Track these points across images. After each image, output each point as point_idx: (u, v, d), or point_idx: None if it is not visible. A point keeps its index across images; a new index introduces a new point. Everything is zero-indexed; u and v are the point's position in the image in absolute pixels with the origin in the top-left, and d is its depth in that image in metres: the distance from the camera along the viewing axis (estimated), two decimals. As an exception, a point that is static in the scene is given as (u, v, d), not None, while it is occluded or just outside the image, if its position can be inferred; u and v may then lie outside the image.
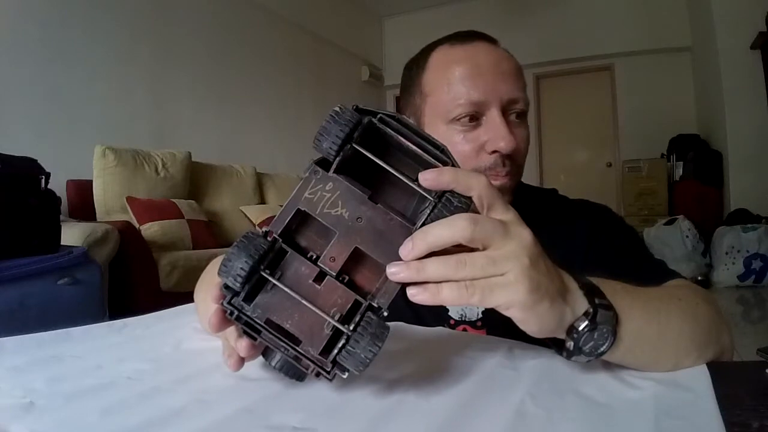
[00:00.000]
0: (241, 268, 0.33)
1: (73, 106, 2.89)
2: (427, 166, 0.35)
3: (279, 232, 0.34)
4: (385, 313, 0.34)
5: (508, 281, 0.33)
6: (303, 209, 0.34)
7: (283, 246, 0.35)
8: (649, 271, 0.58)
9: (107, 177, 2.70)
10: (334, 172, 0.34)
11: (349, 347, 0.33)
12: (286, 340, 0.34)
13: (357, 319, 0.33)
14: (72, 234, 1.92)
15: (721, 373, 0.40)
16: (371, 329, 0.33)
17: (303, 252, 0.35)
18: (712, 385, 0.37)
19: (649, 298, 0.43)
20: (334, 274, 0.34)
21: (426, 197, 0.34)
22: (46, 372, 0.44)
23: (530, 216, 0.71)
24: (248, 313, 0.34)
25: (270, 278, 0.34)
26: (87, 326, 0.59)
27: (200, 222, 2.91)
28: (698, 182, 4.31)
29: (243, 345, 0.36)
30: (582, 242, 0.65)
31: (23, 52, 2.65)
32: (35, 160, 1.69)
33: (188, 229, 2.76)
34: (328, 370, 0.34)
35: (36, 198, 1.65)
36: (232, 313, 0.34)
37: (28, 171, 1.66)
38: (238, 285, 0.33)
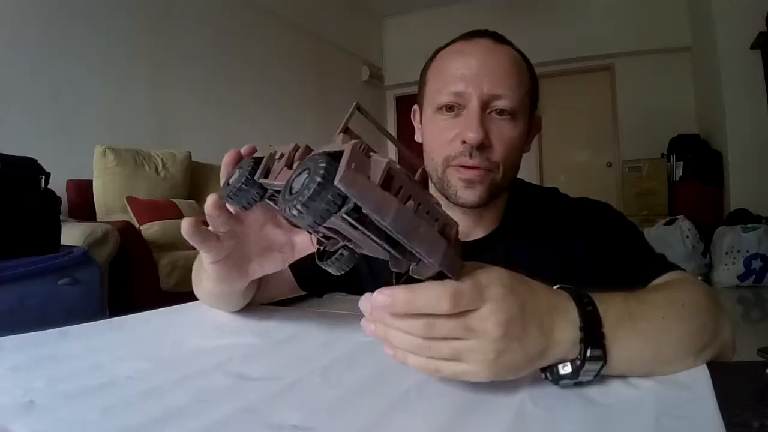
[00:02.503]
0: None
1: (73, 106, 2.88)
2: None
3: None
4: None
5: (471, 370, 0.35)
6: None
7: None
8: (648, 266, 0.58)
9: (107, 177, 2.70)
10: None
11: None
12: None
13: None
14: (72, 234, 1.92)
15: (721, 373, 0.40)
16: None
17: None
18: (712, 385, 0.37)
19: (653, 317, 0.41)
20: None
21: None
22: (47, 371, 0.44)
23: (531, 216, 0.71)
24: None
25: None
26: (87, 324, 0.59)
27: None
28: (698, 182, 4.31)
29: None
30: (582, 241, 0.65)
31: (23, 52, 2.65)
32: (35, 160, 1.69)
33: (188, 229, 2.76)
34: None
35: (36, 198, 1.65)
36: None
37: (28, 171, 1.66)
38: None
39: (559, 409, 0.35)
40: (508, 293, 0.35)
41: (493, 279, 0.35)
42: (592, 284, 0.42)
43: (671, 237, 3.67)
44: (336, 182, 0.26)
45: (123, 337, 0.57)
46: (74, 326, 0.57)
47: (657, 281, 0.55)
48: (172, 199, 2.87)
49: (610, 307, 0.39)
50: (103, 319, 0.62)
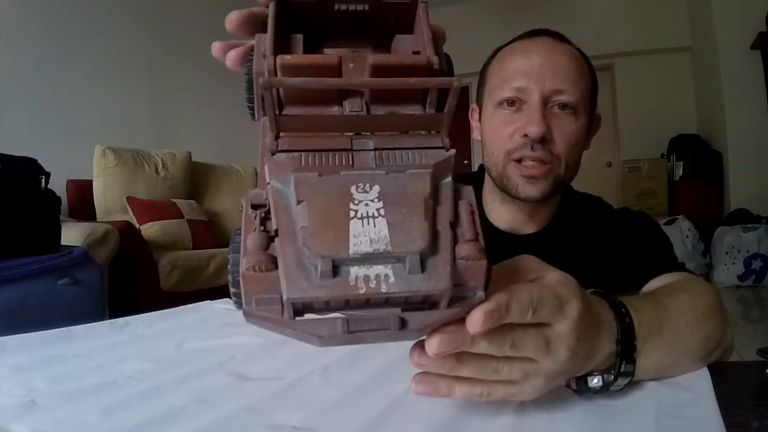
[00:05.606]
0: None
1: (73, 106, 2.88)
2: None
3: None
4: None
5: (524, 391, 0.32)
6: None
7: None
8: (659, 262, 0.60)
9: (107, 177, 2.70)
10: None
11: None
12: None
13: None
14: (72, 234, 1.92)
15: (721, 373, 0.40)
16: None
17: None
18: (712, 385, 0.37)
19: (676, 326, 0.40)
20: None
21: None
22: (48, 371, 0.44)
23: (579, 219, 0.72)
24: None
25: None
26: (89, 324, 0.59)
27: (200, 222, 2.91)
28: (698, 182, 4.30)
29: None
30: (618, 251, 0.66)
31: (23, 52, 2.65)
32: (35, 160, 1.69)
33: (188, 229, 2.76)
34: None
35: (36, 198, 1.65)
36: None
37: (28, 171, 1.66)
38: None
39: (559, 409, 0.35)
40: (584, 311, 0.31)
41: (571, 293, 0.31)
42: (606, 274, 0.40)
43: (671, 237, 3.66)
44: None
45: (124, 338, 0.57)
46: (75, 327, 0.58)
47: (670, 280, 0.55)
48: (172, 199, 2.87)
49: (644, 318, 0.37)
50: (102, 319, 0.62)
